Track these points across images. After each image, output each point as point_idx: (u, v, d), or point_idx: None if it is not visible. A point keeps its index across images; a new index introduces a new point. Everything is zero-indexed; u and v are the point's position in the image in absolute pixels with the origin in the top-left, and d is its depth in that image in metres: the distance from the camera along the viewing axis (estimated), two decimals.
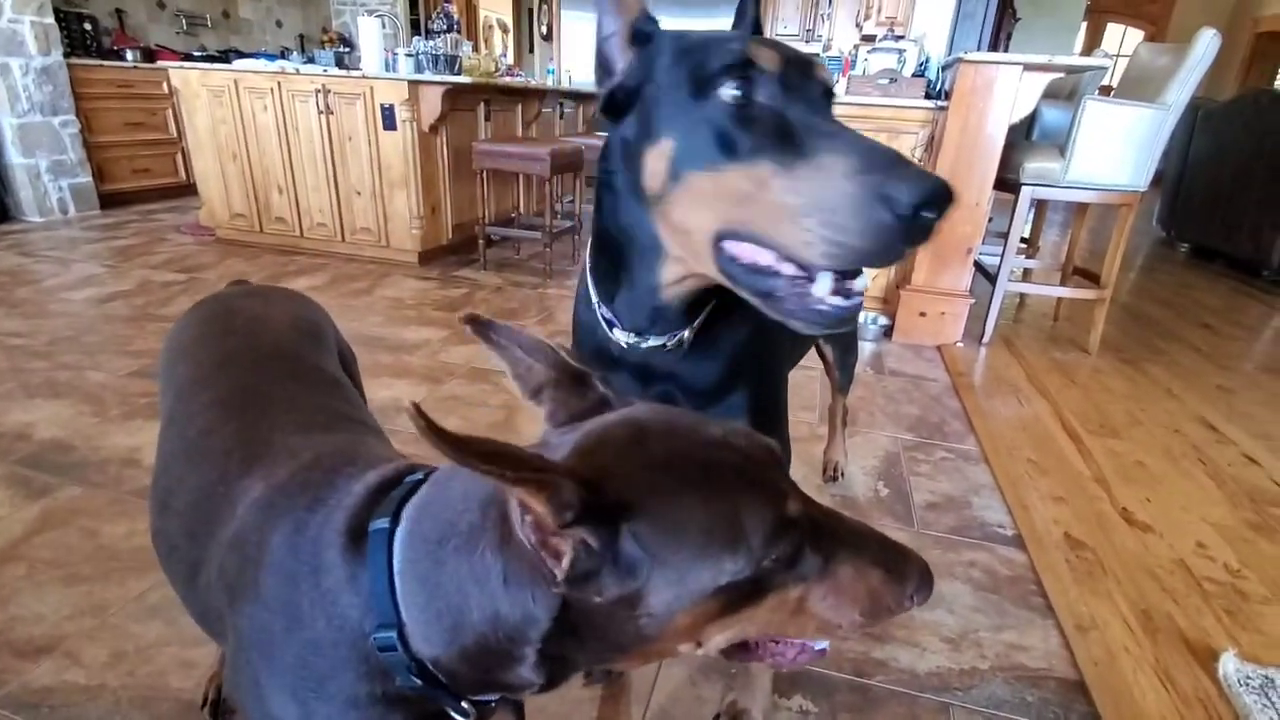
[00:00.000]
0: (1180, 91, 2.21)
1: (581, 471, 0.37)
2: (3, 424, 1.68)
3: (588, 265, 0.72)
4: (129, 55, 4.44)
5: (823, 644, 0.49)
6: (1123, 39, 9.10)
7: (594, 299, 0.70)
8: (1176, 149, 4.62)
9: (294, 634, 0.47)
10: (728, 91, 0.52)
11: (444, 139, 3.23)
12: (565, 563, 0.37)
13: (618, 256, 0.66)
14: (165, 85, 4.41)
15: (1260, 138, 3.82)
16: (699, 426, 0.44)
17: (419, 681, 0.44)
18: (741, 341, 0.72)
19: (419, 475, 0.50)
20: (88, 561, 1.23)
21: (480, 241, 3.34)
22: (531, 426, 1.81)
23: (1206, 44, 2.15)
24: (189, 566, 0.59)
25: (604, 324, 0.70)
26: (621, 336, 0.68)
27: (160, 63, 4.31)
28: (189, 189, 4.63)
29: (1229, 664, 1.11)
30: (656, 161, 0.56)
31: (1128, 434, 1.94)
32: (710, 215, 0.54)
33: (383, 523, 0.46)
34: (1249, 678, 1.09)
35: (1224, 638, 1.19)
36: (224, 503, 0.56)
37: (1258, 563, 1.41)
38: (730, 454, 0.42)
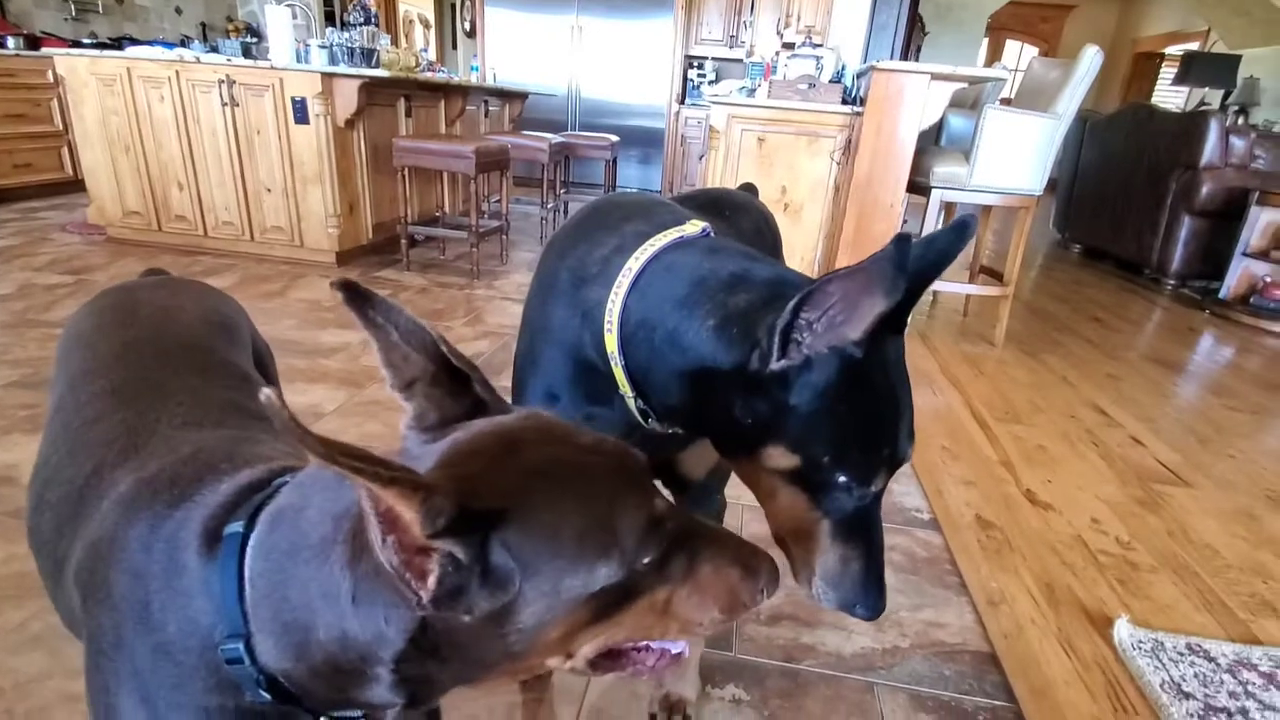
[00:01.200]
0: (1069, 102, 2.38)
1: (450, 479, 0.35)
2: None
3: (624, 355, 0.66)
4: (10, 43, 4.07)
5: (680, 646, 0.48)
6: (1020, 54, 9.74)
7: (628, 390, 0.67)
8: (1068, 157, 4.98)
9: (144, 637, 0.43)
10: (858, 490, 0.58)
11: (361, 134, 3.11)
12: (431, 581, 0.35)
13: (688, 397, 0.63)
14: (50, 74, 4.06)
15: (1140, 148, 4.17)
16: (572, 433, 0.43)
17: (269, 696, 0.42)
18: None
19: (288, 479, 0.46)
20: None
21: (403, 241, 3.23)
22: None
23: (1090, 59, 2.32)
24: (55, 564, 0.54)
25: (636, 412, 0.69)
26: (654, 424, 0.69)
27: (45, 50, 3.96)
28: (76, 185, 4.27)
29: (1122, 630, 1.19)
30: (774, 449, 0.58)
31: (1030, 420, 2.07)
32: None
33: (237, 527, 0.43)
34: (1141, 642, 1.17)
35: (1118, 605, 1.28)
36: (94, 496, 0.51)
37: (1145, 535, 1.52)
38: (602, 459, 0.42)
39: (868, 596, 0.59)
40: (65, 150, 4.31)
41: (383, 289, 2.91)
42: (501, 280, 3.21)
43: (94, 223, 3.37)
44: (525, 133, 4.22)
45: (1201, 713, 1.03)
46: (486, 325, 2.57)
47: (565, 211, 4.78)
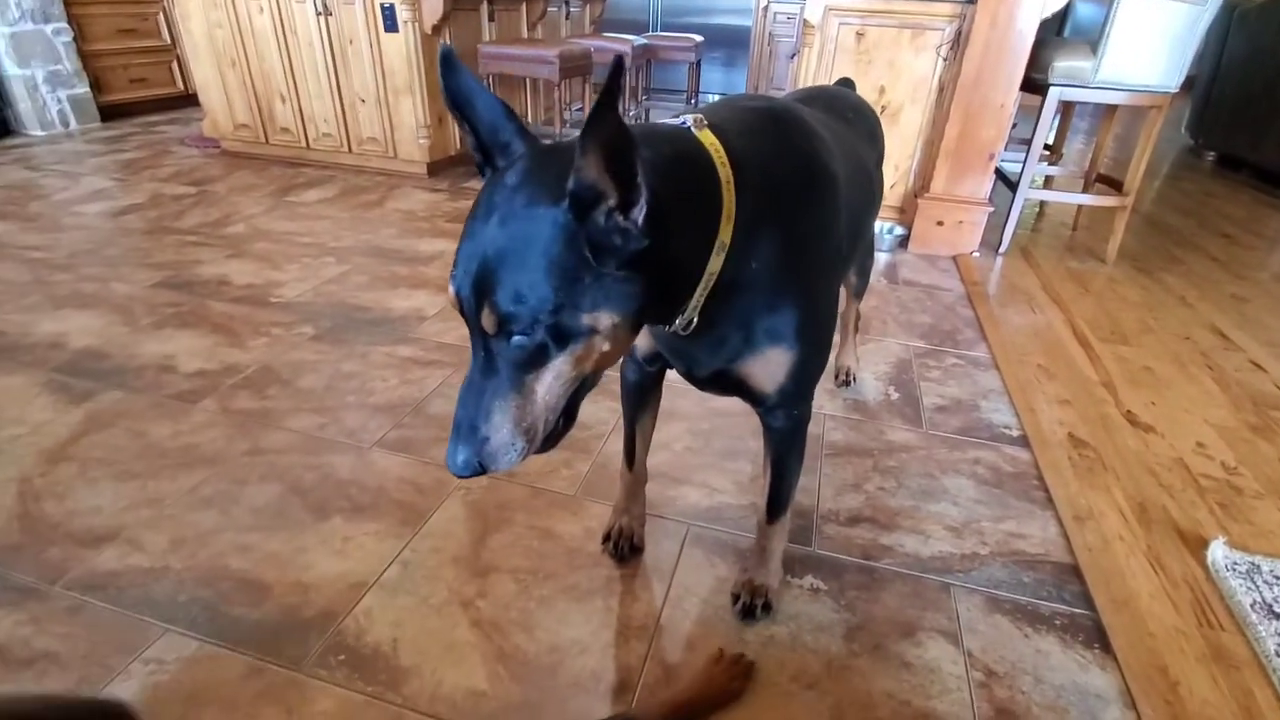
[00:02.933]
0: None
1: None
2: (35, 334, 1.73)
3: None
4: None
5: None
6: None
7: None
8: (1210, 52, 4.39)
9: None
10: None
11: (448, 41, 3.10)
12: None
13: None
14: None
15: None
16: None
17: None
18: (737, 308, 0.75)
19: None
20: (138, 459, 1.30)
21: None
22: None
23: None
24: None
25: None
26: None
27: None
28: (188, 99, 4.50)
29: (1218, 551, 1.17)
30: None
31: (1138, 341, 1.96)
32: None
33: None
34: (1236, 563, 1.15)
35: (1215, 528, 1.25)
36: None
37: (1254, 461, 1.46)
38: None
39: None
40: (175, 64, 4.51)
41: (471, 200, 2.98)
42: None
43: (209, 136, 3.57)
44: (606, 35, 4.08)
45: None
46: None
47: (646, 119, 4.66)
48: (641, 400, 1.05)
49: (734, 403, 1.51)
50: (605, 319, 0.58)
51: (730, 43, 5.85)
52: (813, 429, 1.44)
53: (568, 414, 0.64)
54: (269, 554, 1.09)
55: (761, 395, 0.83)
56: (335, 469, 1.29)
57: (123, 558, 1.08)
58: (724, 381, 0.83)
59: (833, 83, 1.38)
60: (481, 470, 0.59)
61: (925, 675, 0.95)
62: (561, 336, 0.57)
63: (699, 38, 4.28)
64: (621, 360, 0.99)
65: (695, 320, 0.71)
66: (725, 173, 0.66)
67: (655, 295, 0.62)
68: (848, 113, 1.08)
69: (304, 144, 3.36)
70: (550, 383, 0.59)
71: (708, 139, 0.67)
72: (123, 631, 0.95)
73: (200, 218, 2.61)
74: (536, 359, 0.58)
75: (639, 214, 0.55)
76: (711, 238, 0.66)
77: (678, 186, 0.60)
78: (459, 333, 1.82)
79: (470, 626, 0.98)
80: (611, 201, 0.54)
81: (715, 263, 0.67)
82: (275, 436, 1.38)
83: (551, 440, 0.63)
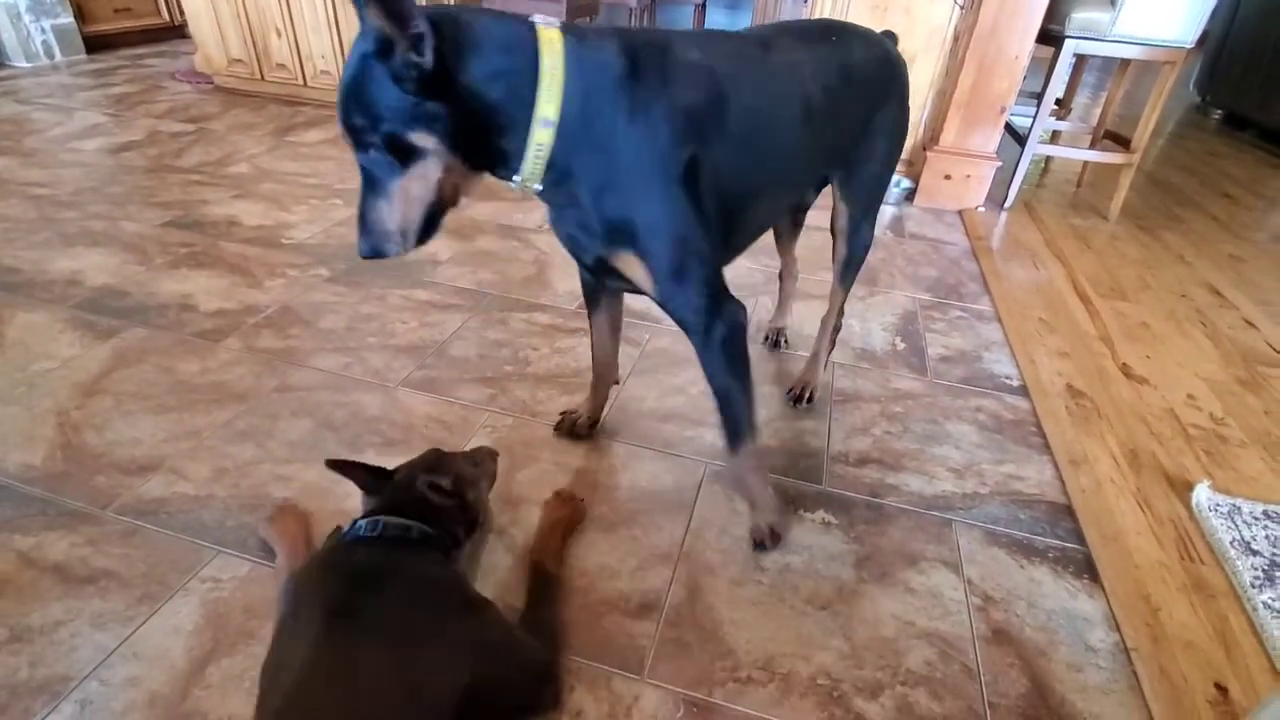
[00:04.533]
0: None
1: None
2: (50, 271, 1.74)
3: None
4: None
5: None
6: None
7: None
8: (1226, 7, 4.32)
9: None
10: None
11: None
12: None
13: None
14: None
15: None
16: None
17: None
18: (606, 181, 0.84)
19: None
20: (170, 394, 1.34)
21: None
22: (565, 282, 1.87)
23: None
24: None
25: None
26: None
27: None
28: (174, 30, 4.36)
29: (1201, 493, 1.25)
30: None
31: (1136, 297, 2.01)
32: None
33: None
34: (1219, 505, 1.23)
35: (1201, 474, 1.33)
36: None
37: (1241, 413, 1.53)
38: None
39: None
40: None
41: None
42: None
43: (201, 71, 3.47)
44: None
45: (1266, 568, 1.11)
46: None
47: None
48: (591, 295, 1.20)
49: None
50: (429, 139, 0.74)
51: None
52: (823, 376, 1.49)
53: (430, 224, 0.81)
54: (308, 484, 1.14)
55: (651, 296, 0.91)
56: (364, 406, 1.33)
57: (168, 486, 1.13)
58: (613, 273, 0.92)
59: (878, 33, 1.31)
60: (377, 254, 0.80)
61: (928, 599, 1.02)
62: (402, 151, 0.74)
63: None
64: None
65: (540, 188, 0.84)
66: (551, 60, 0.76)
67: (467, 130, 0.76)
68: (833, 36, 1.08)
69: (301, 81, 3.27)
70: (407, 190, 0.77)
71: (546, 34, 0.78)
72: (177, 553, 1.00)
73: (201, 156, 2.57)
74: (391, 172, 0.76)
75: (426, 50, 0.69)
76: (522, 103, 0.77)
77: (481, 45, 0.74)
78: (475, 278, 1.84)
79: (505, 551, 1.04)
80: (404, 42, 0.68)
81: (542, 135, 0.78)
82: (302, 375, 1.41)
83: (420, 239, 0.82)
